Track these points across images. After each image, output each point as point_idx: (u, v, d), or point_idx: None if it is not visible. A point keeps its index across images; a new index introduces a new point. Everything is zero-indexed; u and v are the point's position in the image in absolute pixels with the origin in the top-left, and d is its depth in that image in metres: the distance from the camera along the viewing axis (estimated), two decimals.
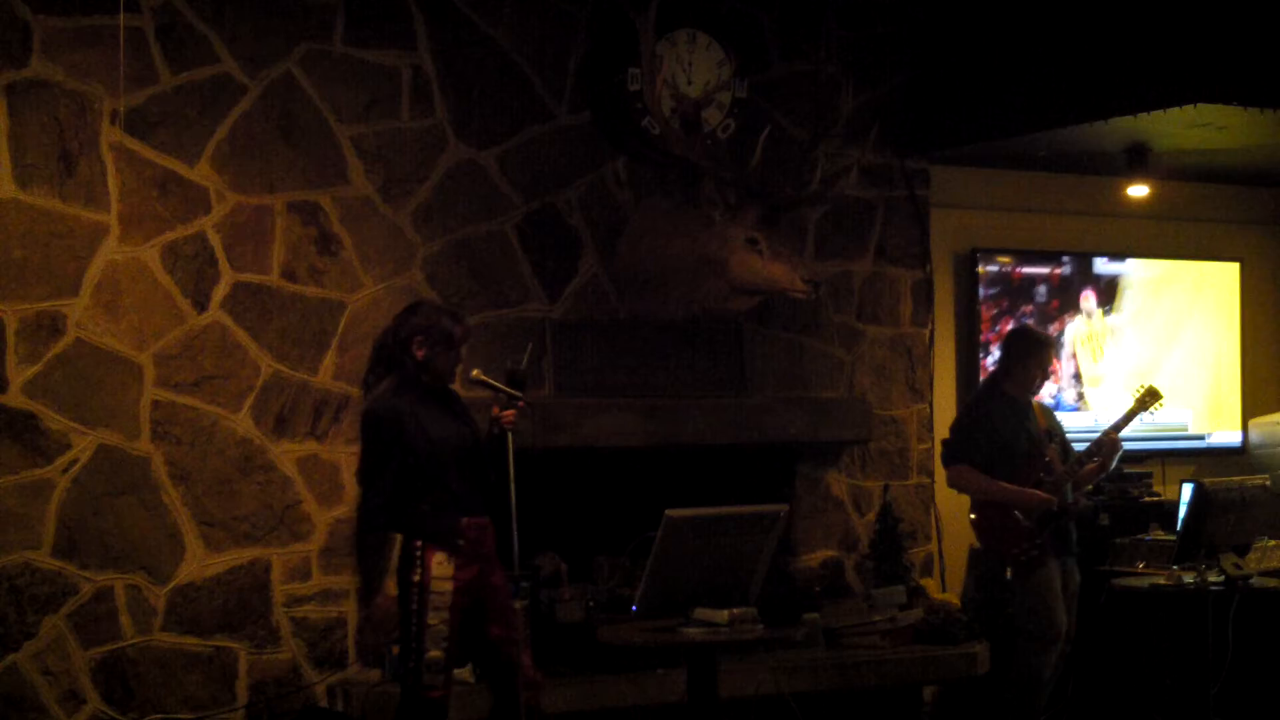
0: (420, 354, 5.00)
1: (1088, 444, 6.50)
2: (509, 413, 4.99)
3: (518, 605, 5.08)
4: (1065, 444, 6.57)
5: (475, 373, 5.08)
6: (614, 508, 6.54)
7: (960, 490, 6.53)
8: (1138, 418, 6.53)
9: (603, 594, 6.34)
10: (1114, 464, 6.60)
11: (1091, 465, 6.45)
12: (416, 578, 4.94)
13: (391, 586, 4.99)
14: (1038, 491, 6.28)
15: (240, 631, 5.92)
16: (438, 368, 5.02)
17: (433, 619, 4.92)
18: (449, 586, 4.93)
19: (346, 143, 6.15)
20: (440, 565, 4.93)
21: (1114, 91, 6.48)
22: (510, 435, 4.97)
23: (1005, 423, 6.36)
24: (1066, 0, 6.69)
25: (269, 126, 6.01)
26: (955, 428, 6.62)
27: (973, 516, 6.49)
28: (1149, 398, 6.49)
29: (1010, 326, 7.37)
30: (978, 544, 6.70)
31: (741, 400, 6.74)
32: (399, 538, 5.04)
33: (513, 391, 5.02)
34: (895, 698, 6.78)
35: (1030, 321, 7.55)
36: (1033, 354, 6.46)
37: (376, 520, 4.95)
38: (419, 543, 4.95)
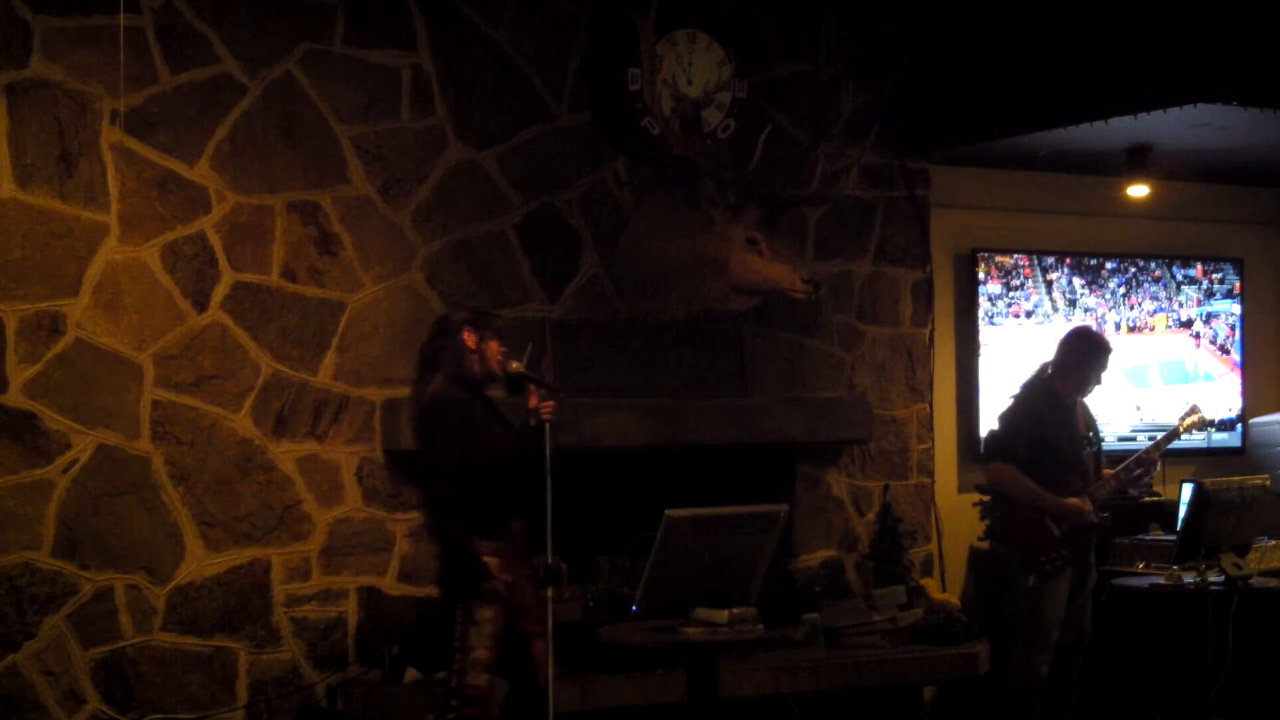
0: (473, 343, 5.10)
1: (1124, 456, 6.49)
2: (548, 404, 5.04)
3: (549, 594, 5.05)
4: (1099, 447, 6.52)
5: (515, 365, 5.16)
6: (614, 508, 6.54)
7: (999, 486, 6.43)
8: (1180, 436, 6.55)
9: (603, 594, 6.33)
10: (1148, 479, 6.62)
11: (1127, 477, 6.44)
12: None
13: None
14: (1077, 503, 6.22)
15: (240, 631, 5.91)
16: (490, 355, 5.12)
17: (480, 615, 4.96)
18: (499, 586, 4.97)
19: (346, 143, 6.16)
20: (494, 565, 4.97)
21: (1114, 91, 6.48)
22: (548, 427, 5.01)
23: (1052, 424, 6.29)
24: (1066, 1, 6.70)
25: (269, 126, 6.01)
26: (1002, 423, 6.55)
27: (984, 501, 6.40)
28: (1193, 417, 6.47)
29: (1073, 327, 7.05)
30: (989, 542, 6.64)
31: (741, 400, 6.74)
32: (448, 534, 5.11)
33: (552, 385, 5.11)
34: (895, 698, 6.78)
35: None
36: (1094, 357, 6.38)
37: (459, 512, 5.00)
38: (473, 541, 4.97)
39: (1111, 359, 6.43)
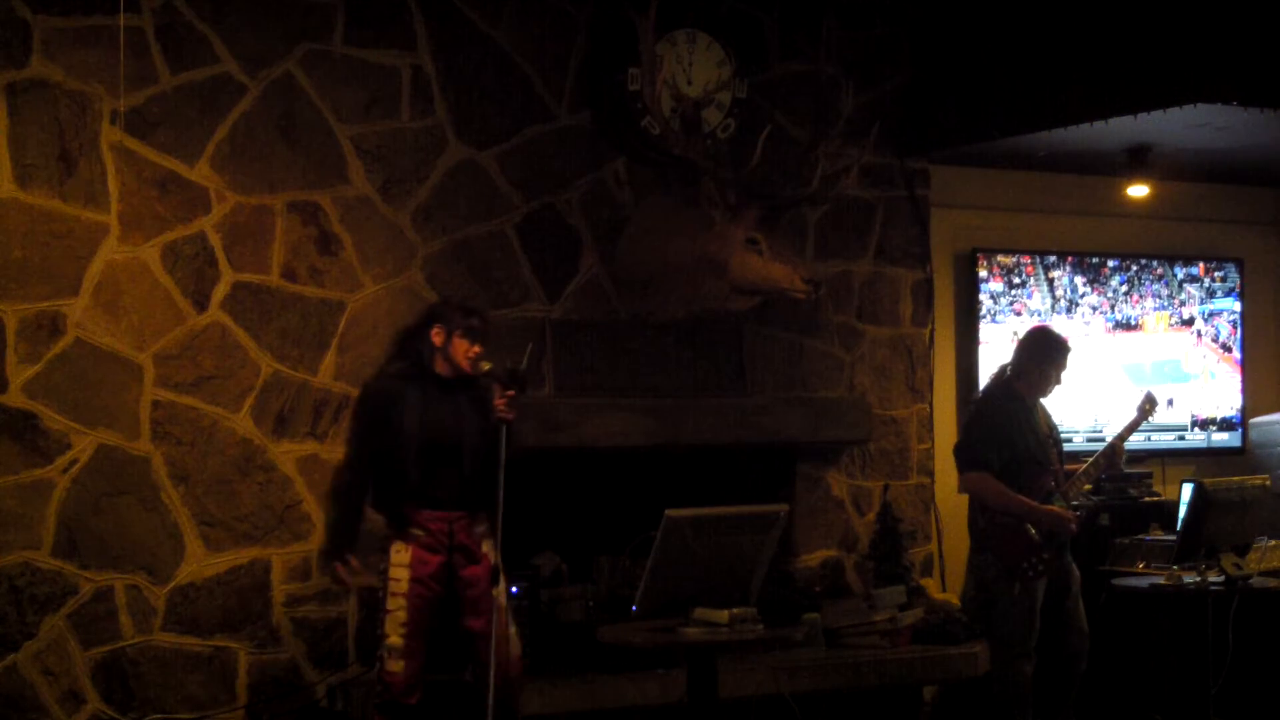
0: (438, 341, 5.26)
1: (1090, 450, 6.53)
2: (499, 401, 5.15)
3: (497, 594, 5.14)
4: (1061, 445, 6.57)
5: (484, 365, 5.28)
6: (614, 508, 6.54)
7: (976, 496, 6.45)
8: (1140, 425, 6.64)
9: (603, 594, 6.33)
10: (1116, 471, 6.67)
11: (1095, 472, 6.48)
12: (382, 565, 5.20)
13: (355, 562, 5.24)
14: (1056, 509, 6.26)
15: (240, 631, 5.92)
16: (452, 354, 5.26)
17: (391, 605, 5.16)
18: (405, 574, 5.15)
19: (346, 143, 6.15)
20: (398, 553, 5.18)
21: (1114, 91, 6.48)
22: (505, 426, 5.10)
23: (1018, 426, 6.33)
24: (1066, 0, 6.70)
25: (269, 126, 6.01)
26: (971, 431, 6.58)
27: (977, 520, 6.44)
28: (1148, 405, 6.55)
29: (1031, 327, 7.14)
30: (976, 546, 6.66)
31: (741, 400, 6.74)
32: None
33: (505, 381, 5.18)
34: (895, 698, 6.78)
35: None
36: (1054, 357, 6.43)
37: (345, 494, 5.26)
38: (386, 531, 5.20)
39: (1070, 358, 6.48)
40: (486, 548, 5.24)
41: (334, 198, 6.13)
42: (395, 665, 5.12)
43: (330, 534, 5.31)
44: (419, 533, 5.17)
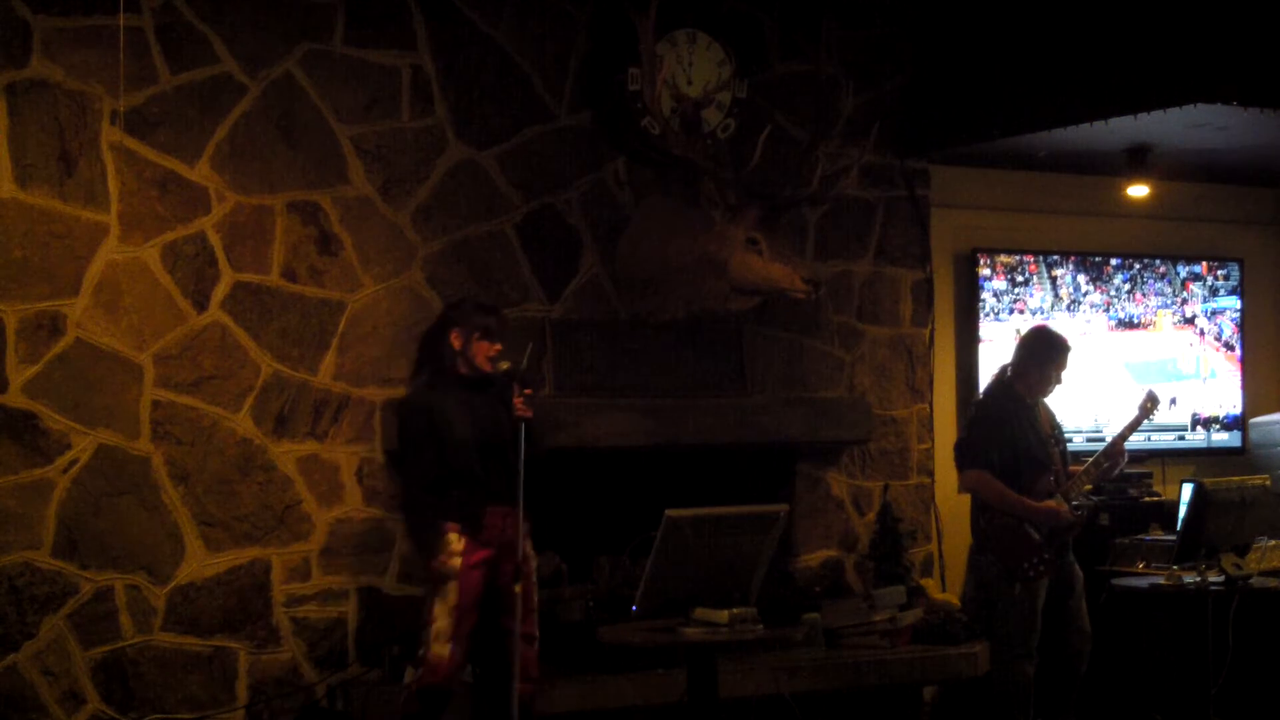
0: (457, 345, 5.37)
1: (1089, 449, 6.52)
2: (517, 400, 5.24)
3: (517, 589, 5.20)
4: (1064, 445, 6.57)
5: (503, 365, 5.39)
6: (614, 508, 6.54)
7: (975, 495, 6.46)
8: (1142, 424, 6.63)
9: (603, 594, 6.33)
10: (1118, 471, 6.67)
11: (1096, 472, 6.47)
12: (434, 551, 5.26)
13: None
14: (1055, 507, 6.26)
15: (240, 631, 5.92)
16: (472, 356, 5.37)
17: (447, 588, 5.22)
18: (458, 562, 5.23)
19: (346, 143, 6.16)
20: (454, 541, 5.24)
21: (1114, 91, 6.48)
22: (523, 423, 5.20)
23: (1019, 426, 6.33)
24: (1067, 1, 6.70)
25: (269, 126, 6.01)
26: (972, 429, 6.58)
27: (979, 520, 6.44)
28: (1150, 403, 6.55)
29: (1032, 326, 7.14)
30: (978, 546, 6.66)
31: (741, 400, 6.74)
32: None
33: (522, 380, 5.28)
34: (895, 698, 6.78)
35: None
36: (1054, 356, 6.44)
37: (422, 502, 5.34)
38: (443, 525, 5.26)
39: (1070, 357, 6.48)
40: (527, 547, 5.33)
41: (334, 198, 6.13)
42: (442, 649, 5.20)
43: (420, 545, 5.42)
44: (479, 528, 5.27)
